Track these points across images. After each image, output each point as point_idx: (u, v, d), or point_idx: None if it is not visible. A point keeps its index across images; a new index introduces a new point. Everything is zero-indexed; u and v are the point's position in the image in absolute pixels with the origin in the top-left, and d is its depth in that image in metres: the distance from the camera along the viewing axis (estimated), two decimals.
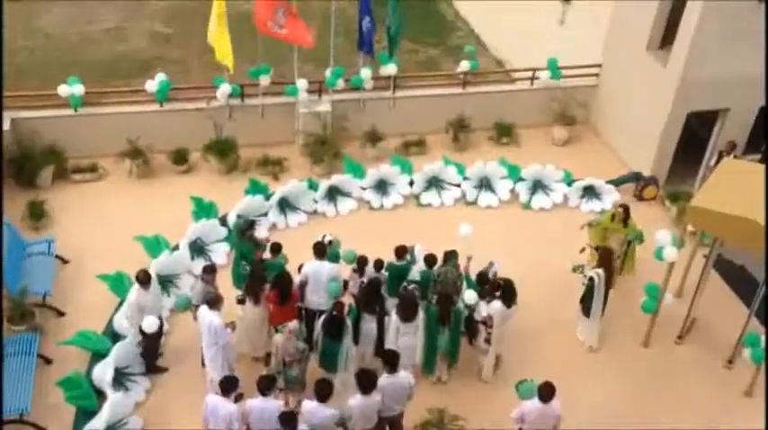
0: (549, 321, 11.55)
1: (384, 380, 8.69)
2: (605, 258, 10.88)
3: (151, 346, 10.19)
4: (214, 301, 9.33)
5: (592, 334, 11.12)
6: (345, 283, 10.46)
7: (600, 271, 10.64)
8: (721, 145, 13.51)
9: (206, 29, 13.66)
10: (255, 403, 8.42)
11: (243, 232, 10.89)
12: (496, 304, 10.00)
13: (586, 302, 10.90)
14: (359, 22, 14.14)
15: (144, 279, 9.79)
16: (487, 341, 10.25)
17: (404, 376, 8.88)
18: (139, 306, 9.80)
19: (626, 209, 11.63)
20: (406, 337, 9.87)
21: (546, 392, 8.46)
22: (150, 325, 9.73)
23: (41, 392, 9.69)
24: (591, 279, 10.72)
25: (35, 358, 9.89)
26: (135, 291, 9.85)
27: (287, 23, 13.24)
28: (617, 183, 14.29)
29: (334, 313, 9.49)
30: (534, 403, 8.52)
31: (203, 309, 9.37)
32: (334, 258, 10.67)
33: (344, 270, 10.77)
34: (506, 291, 10.00)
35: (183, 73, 16.57)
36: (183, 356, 10.57)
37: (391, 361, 8.75)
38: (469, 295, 10.25)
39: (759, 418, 10.13)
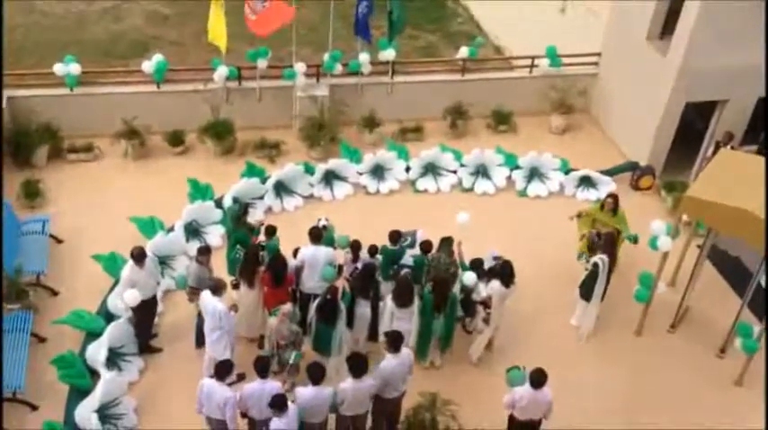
0: (543, 308, 11.59)
1: (391, 361, 8.72)
2: (609, 243, 10.90)
3: (144, 325, 10.20)
4: (217, 287, 9.31)
5: (589, 318, 11.17)
6: (340, 268, 10.46)
7: (604, 256, 10.68)
8: (719, 136, 13.51)
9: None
10: (254, 386, 8.41)
11: (238, 218, 10.87)
12: (495, 284, 10.06)
13: (587, 287, 10.92)
14: (356, 7, 14.07)
15: (139, 255, 9.76)
16: (485, 321, 10.31)
17: (406, 354, 8.93)
18: (132, 282, 9.76)
19: (615, 198, 11.60)
20: (401, 322, 9.88)
21: (537, 379, 8.50)
22: (132, 298, 9.69)
23: (35, 370, 9.70)
24: (595, 264, 10.75)
25: (29, 336, 9.90)
26: (129, 268, 9.81)
27: (263, 9, 13.08)
28: (613, 172, 14.29)
29: (328, 297, 9.50)
30: (526, 389, 8.56)
31: (206, 294, 9.35)
32: (329, 243, 10.66)
33: (339, 255, 10.76)
34: (505, 271, 10.07)
35: (180, 54, 16.47)
36: (176, 337, 10.60)
37: (395, 342, 8.76)
38: (469, 277, 10.27)
39: (749, 408, 10.22)
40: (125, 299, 9.79)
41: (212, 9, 13.27)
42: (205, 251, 10.06)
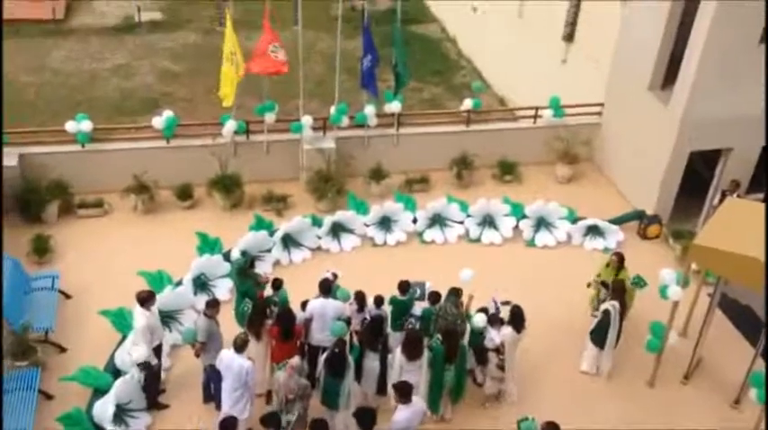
0: (552, 358, 11.49)
1: (404, 411, 8.65)
2: (618, 291, 10.93)
3: (152, 381, 10.13)
4: (242, 345, 9.22)
5: (606, 361, 11.19)
6: (348, 321, 10.42)
7: (615, 302, 10.75)
8: (724, 184, 13.56)
9: (213, 68, 13.83)
10: None
11: (244, 270, 10.90)
12: (507, 329, 10.10)
13: (599, 334, 10.96)
14: (361, 60, 14.33)
15: (147, 297, 9.78)
16: (500, 367, 10.30)
17: (417, 401, 8.88)
18: (150, 328, 9.76)
19: (619, 256, 11.63)
20: (410, 375, 9.79)
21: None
22: (141, 355, 9.68)
23: (42, 428, 9.60)
24: (606, 311, 10.78)
25: (36, 394, 9.84)
26: (142, 316, 9.75)
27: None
28: (620, 221, 14.31)
29: (336, 350, 9.45)
30: None
31: (227, 353, 9.26)
32: (341, 295, 10.65)
33: (347, 307, 10.72)
34: (516, 317, 10.10)
35: (189, 110, 16.80)
36: (183, 392, 10.52)
37: (405, 392, 8.70)
38: (479, 318, 10.22)
39: None
40: (134, 355, 9.73)
41: (224, 64, 13.47)
42: (213, 304, 10.03)
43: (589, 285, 11.67)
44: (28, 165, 13.53)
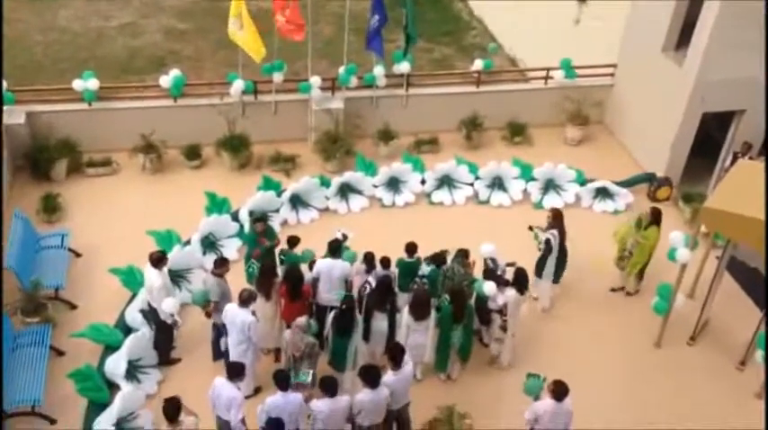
0: (559, 318, 11.53)
1: (390, 377, 8.69)
2: (558, 219, 11.21)
3: (165, 337, 10.23)
4: (246, 299, 9.28)
5: (544, 294, 11.44)
6: (351, 284, 10.41)
7: (555, 232, 11.04)
8: (736, 146, 13.43)
9: (220, 25, 13.68)
10: (277, 398, 8.37)
11: (256, 220, 10.92)
12: (511, 291, 10.12)
13: (540, 264, 11.22)
14: (368, 20, 14.13)
15: (160, 258, 9.85)
16: (503, 328, 10.33)
17: (408, 370, 8.89)
18: (167, 287, 9.86)
19: (654, 213, 11.53)
20: (417, 335, 9.88)
21: (560, 391, 8.41)
22: (172, 305, 9.79)
23: (54, 384, 9.73)
24: (547, 241, 11.05)
25: (48, 350, 9.95)
26: (157, 277, 9.78)
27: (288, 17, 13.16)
28: (630, 183, 14.23)
29: (344, 307, 9.49)
30: (548, 403, 8.47)
31: (232, 306, 9.34)
32: (347, 257, 10.66)
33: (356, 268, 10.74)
34: (520, 278, 10.14)
35: (196, 69, 16.68)
36: (193, 349, 10.62)
37: (395, 355, 8.73)
38: (489, 287, 10.24)
39: None
40: (166, 308, 9.79)
41: (245, 28, 13.23)
42: (222, 263, 10.06)
43: (531, 228, 11.65)
44: (36, 124, 13.53)
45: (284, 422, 7.98)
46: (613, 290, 12.16)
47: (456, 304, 9.87)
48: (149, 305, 10.13)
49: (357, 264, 10.62)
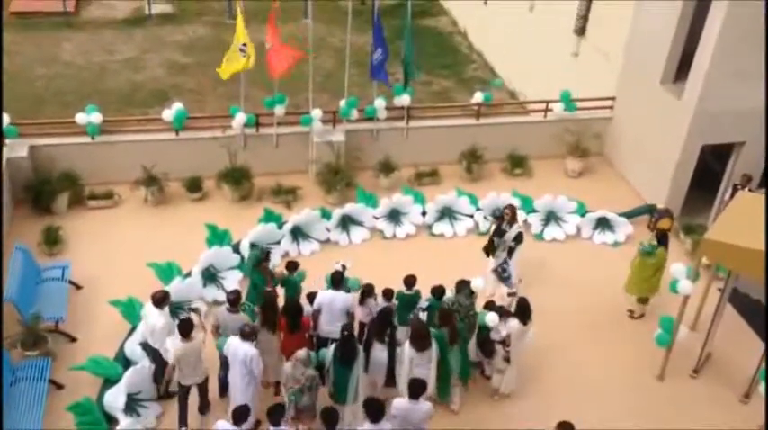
0: (560, 352, 11.46)
1: (405, 403, 8.68)
2: (513, 214, 11.78)
3: (164, 371, 10.17)
4: (249, 333, 9.25)
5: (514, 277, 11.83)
6: (352, 315, 10.38)
7: (521, 223, 11.89)
8: (736, 178, 13.47)
9: (221, 60, 13.79)
10: None
11: (259, 262, 10.87)
12: (513, 322, 10.09)
13: (509, 253, 11.87)
14: (371, 54, 14.30)
15: (163, 297, 9.81)
16: (506, 360, 10.31)
17: (424, 404, 8.86)
18: (169, 326, 9.78)
19: (660, 235, 11.70)
20: (420, 369, 9.80)
21: None
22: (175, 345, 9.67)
23: (53, 417, 9.65)
24: (520, 234, 11.81)
25: (47, 383, 9.88)
26: (160, 316, 9.72)
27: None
28: (630, 215, 14.25)
29: (345, 333, 9.46)
30: None
31: (235, 340, 9.31)
32: (352, 285, 10.64)
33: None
34: (522, 309, 10.09)
35: (199, 102, 16.83)
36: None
37: (417, 390, 8.73)
38: (491, 317, 10.23)
39: None
40: (170, 347, 9.57)
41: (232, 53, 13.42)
42: (238, 299, 9.92)
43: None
44: (38, 157, 13.59)
45: None
46: (631, 313, 12.19)
47: (448, 326, 9.87)
48: (148, 343, 10.07)
49: (354, 294, 10.61)
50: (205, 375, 9.70)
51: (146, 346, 10.23)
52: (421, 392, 8.76)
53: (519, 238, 11.85)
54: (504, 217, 11.95)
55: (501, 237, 11.85)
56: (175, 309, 11.12)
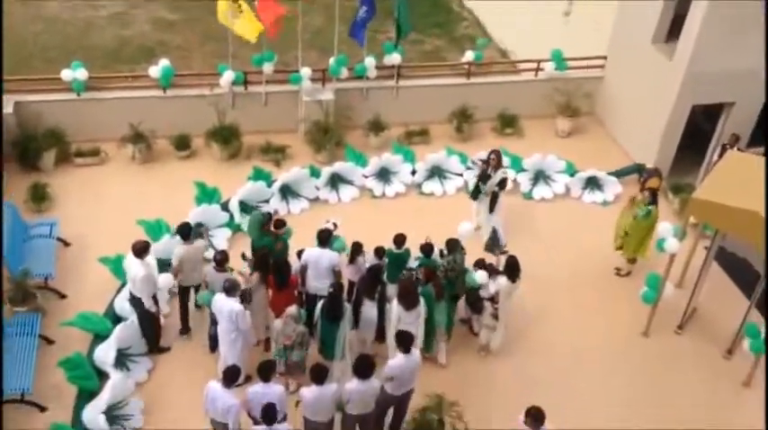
0: (547, 306, 11.57)
1: (401, 360, 8.76)
2: (500, 158, 12.13)
3: (153, 326, 10.22)
4: (231, 288, 9.29)
5: (497, 225, 11.85)
6: (339, 273, 10.41)
7: (505, 169, 12.35)
8: (725, 138, 13.49)
9: (209, 17, 13.60)
10: (257, 389, 8.38)
11: (262, 225, 10.83)
12: (502, 280, 10.16)
13: (494, 199, 12.25)
14: (357, 11, 14.08)
15: (143, 247, 9.81)
16: (495, 316, 10.40)
17: (416, 355, 8.98)
18: (151, 278, 9.87)
19: (653, 192, 11.80)
20: (408, 326, 9.87)
21: (535, 417, 8.07)
22: (167, 281, 10.24)
23: (43, 372, 9.71)
24: (505, 179, 12.22)
25: (37, 338, 9.92)
26: (140, 266, 9.71)
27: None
28: (619, 174, 14.29)
29: (332, 290, 9.53)
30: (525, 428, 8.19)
31: (220, 296, 9.36)
32: (337, 247, 10.65)
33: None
34: (511, 267, 10.16)
35: (185, 59, 16.59)
36: (184, 339, 10.62)
37: (406, 342, 8.80)
38: (481, 275, 10.32)
39: (757, 409, 10.14)
40: (161, 283, 10.11)
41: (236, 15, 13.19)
42: (225, 259, 9.97)
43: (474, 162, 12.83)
44: (24, 113, 13.43)
45: (275, 408, 7.97)
46: (618, 271, 12.32)
47: (433, 282, 9.99)
48: (132, 295, 10.09)
49: (344, 255, 10.64)
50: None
51: (131, 299, 10.22)
52: (411, 343, 8.85)
53: (503, 184, 12.10)
54: (489, 162, 12.07)
55: (486, 182, 11.91)
56: (165, 266, 11.10)
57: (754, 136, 14.15)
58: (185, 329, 10.66)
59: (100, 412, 8.98)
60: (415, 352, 8.99)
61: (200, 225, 11.46)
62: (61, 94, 13.86)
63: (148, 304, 9.93)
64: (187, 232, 10.20)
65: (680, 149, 14.23)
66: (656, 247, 11.14)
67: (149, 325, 10.19)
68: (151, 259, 10.13)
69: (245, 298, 9.45)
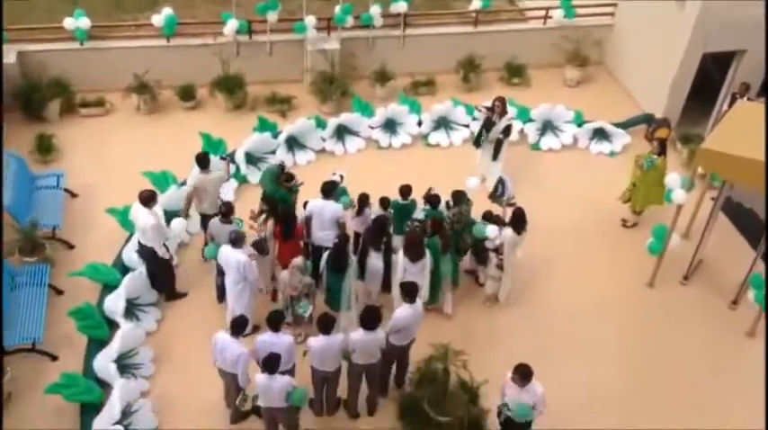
0: (554, 257, 11.59)
1: (407, 310, 8.83)
2: (503, 103, 11.95)
3: (166, 272, 10.32)
4: (237, 240, 9.32)
5: (495, 175, 11.73)
6: (343, 225, 10.42)
7: (510, 116, 12.27)
8: (736, 87, 13.30)
9: None
10: (265, 338, 8.45)
11: (277, 177, 10.81)
12: (507, 231, 10.14)
13: (497, 147, 12.15)
14: None
15: (150, 197, 9.87)
16: (499, 267, 10.41)
17: (419, 305, 9.06)
18: (160, 227, 9.91)
19: (661, 142, 11.69)
20: (413, 277, 9.92)
21: (523, 374, 8.05)
22: (181, 225, 10.34)
23: (53, 322, 9.82)
24: (509, 126, 12.15)
25: (47, 288, 10.01)
26: (148, 215, 9.75)
27: None
28: (628, 124, 14.15)
29: (337, 241, 9.55)
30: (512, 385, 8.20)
31: (227, 248, 9.39)
32: (343, 201, 10.64)
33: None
34: (517, 219, 10.14)
35: (188, 8, 16.30)
36: (193, 288, 10.72)
37: (411, 293, 8.86)
38: (491, 230, 10.28)
39: (761, 359, 10.24)
40: (175, 228, 10.23)
41: None
42: (230, 210, 9.96)
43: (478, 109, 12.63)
44: (27, 63, 13.35)
45: (278, 358, 8.08)
46: (624, 222, 12.27)
47: (440, 234, 10.00)
48: (141, 245, 10.13)
49: (349, 208, 10.64)
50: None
51: (140, 249, 10.26)
52: (416, 294, 8.92)
53: (507, 131, 11.99)
54: (494, 109, 11.95)
55: (490, 129, 11.83)
56: (172, 217, 11.13)
57: (765, 85, 13.95)
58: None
59: (110, 361, 9.11)
60: (419, 301, 9.06)
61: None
62: (64, 43, 13.74)
63: (161, 252, 10.02)
64: (206, 161, 10.35)
65: (690, 99, 14.07)
66: (663, 198, 11.08)
67: (164, 272, 10.29)
68: (158, 208, 10.14)
69: (262, 248, 9.48)
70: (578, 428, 9.21)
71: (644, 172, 11.56)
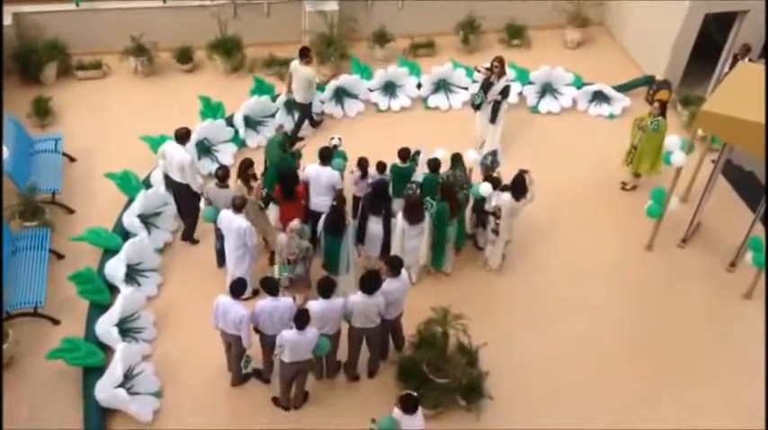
0: (552, 221, 11.62)
1: (393, 283, 8.84)
2: (501, 65, 11.81)
3: (196, 212, 10.51)
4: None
5: (497, 137, 12.02)
6: (339, 191, 10.42)
7: (508, 77, 12.14)
8: (737, 49, 13.19)
9: None
10: (266, 302, 8.51)
11: (283, 145, 10.76)
12: (506, 196, 10.14)
13: (495, 109, 12.01)
14: None
15: (186, 133, 10.22)
16: (495, 232, 10.41)
17: (405, 277, 9.06)
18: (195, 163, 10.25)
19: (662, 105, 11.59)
20: (412, 240, 9.99)
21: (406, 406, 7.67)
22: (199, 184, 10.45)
23: (55, 287, 9.86)
24: (507, 87, 11.98)
25: (48, 253, 10.04)
26: (186, 151, 10.15)
27: None
28: (628, 87, 14.06)
29: (335, 203, 9.58)
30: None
31: (227, 213, 9.41)
32: (335, 165, 10.61)
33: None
34: (516, 185, 10.13)
35: None
36: (193, 252, 10.77)
37: (395, 266, 8.87)
38: (484, 187, 10.30)
39: (758, 321, 10.33)
40: (199, 181, 10.40)
41: None
42: (226, 175, 9.96)
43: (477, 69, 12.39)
44: (23, 25, 13.18)
45: (307, 313, 8.21)
46: (623, 185, 12.27)
47: (450, 200, 10.00)
48: (172, 181, 10.40)
49: (348, 172, 10.63)
50: None
51: (174, 186, 10.49)
52: (401, 267, 8.92)
53: (506, 92, 11.91)
54: (493, 69, 11.84)
55: (488, 90, 11.76)
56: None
57: (766, 47, 13.82)
58: None
59: (112, 325, 9.18)
60: (404, 274, 9.07)
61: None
62: (60, 4, 13.54)
63: (196, 186, 10.21)
64: (184, 136, 10.31)
65: (691, 60, 13.95)
66: (662, 161, 11.07)
67: (192, 210, 10.48)
68: (190, 145, 10.43)
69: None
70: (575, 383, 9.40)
71: (648, 134, 11.50)
